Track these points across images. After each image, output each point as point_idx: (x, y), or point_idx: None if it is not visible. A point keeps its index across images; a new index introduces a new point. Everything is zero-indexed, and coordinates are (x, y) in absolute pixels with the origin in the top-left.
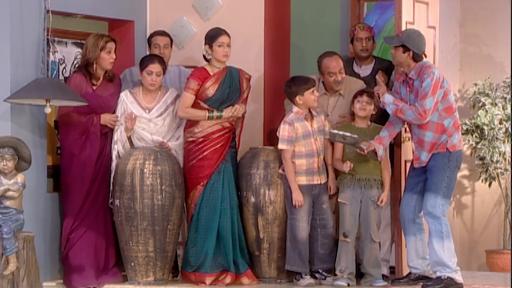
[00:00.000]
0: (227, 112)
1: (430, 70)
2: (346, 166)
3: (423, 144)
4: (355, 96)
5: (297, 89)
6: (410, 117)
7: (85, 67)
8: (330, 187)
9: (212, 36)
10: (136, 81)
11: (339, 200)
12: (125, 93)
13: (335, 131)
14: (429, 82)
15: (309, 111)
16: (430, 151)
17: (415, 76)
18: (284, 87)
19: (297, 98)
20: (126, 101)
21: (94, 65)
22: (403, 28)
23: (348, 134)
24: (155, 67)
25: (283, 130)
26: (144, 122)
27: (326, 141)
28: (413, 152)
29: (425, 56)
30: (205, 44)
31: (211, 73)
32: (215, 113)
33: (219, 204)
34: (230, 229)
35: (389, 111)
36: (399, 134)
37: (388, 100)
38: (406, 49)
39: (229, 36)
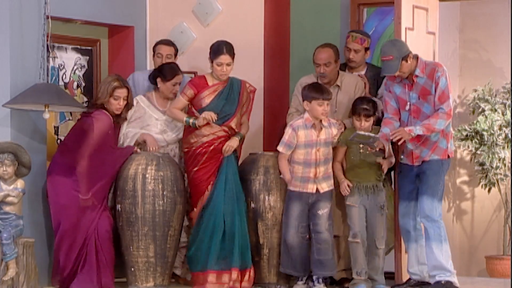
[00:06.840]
0: (199, 121)
1: (442, 68)
2: (343, 189)
3: (427, 143)
4: (352, 111)
5: (307, 94)
6: (442, 125)
7: (102, 105)
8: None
9: (213, 52)
10: (143, 87)
11: (347, 203)
12: (140, 97)
13: (361, 132)
14: (444, 81)
15: (320, 121)
16: (432, 151)
17: (421, 73)
18: (303, 87)
19: (305, 103)
20: (143, 105)
21: (106, 106)
22: (403, 34)
23: (372, 134)
24: (180, 78)
25: (286, 133)
26: (165, 124)
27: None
28: (405, 152)
29: None
30: (208, 56)
31: (210, 84)
32: (191, 120)
33: (222, 197)
34: (236, 223)
35: (421, 133)
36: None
37: (415, 131)
38: (405, 57)
39: (232, 55)
